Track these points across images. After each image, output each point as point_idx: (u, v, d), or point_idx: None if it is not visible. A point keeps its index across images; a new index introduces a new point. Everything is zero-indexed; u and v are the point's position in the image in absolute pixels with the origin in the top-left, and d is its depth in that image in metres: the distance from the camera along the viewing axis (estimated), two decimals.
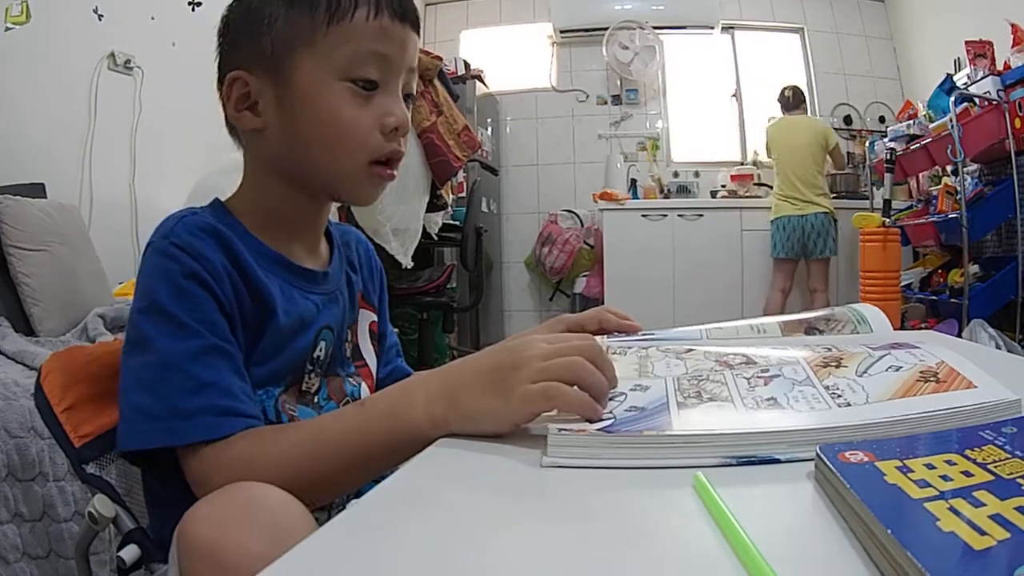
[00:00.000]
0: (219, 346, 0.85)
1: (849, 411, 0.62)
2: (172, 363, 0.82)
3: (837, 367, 0.72)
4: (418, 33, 0.99)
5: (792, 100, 6.07)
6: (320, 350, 1.01)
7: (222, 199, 1.00)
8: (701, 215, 6.36)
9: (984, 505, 0.41)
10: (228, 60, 0.99)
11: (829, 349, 0.79)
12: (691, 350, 0.85)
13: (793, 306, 5.87)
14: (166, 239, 0.88)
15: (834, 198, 6.39)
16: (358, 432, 0.76)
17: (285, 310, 0.95)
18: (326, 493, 0.72)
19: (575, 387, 0.68)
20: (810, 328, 0.98)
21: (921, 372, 0.68)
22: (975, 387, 0.64)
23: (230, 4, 1.00)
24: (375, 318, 1.19)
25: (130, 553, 0.90)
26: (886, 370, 0.69)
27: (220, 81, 0.99)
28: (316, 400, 1.00)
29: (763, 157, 6.56)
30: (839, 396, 0.65)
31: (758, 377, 0.72)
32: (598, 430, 0.63)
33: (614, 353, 0.87)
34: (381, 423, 0.75)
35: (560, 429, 0.63)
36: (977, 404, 0.61)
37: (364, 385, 1.10)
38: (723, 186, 6.71)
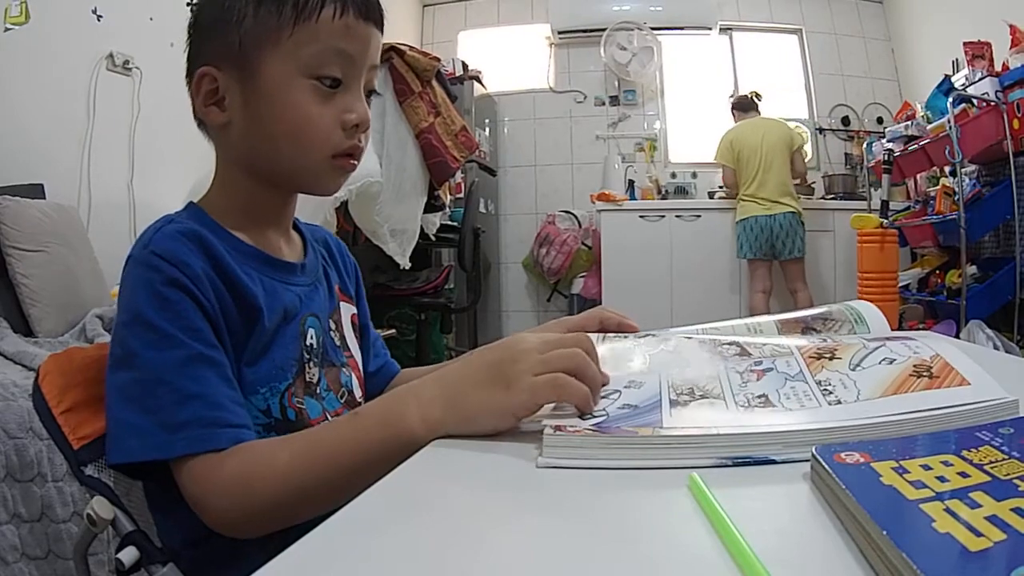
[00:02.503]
0: (205, 354, 0.85)
1: (839, 409, 0.62)
2: (158, 376, 0.82)
3: (831, 359, 0.72)
4: (382, 31, 1.01)
5: (752, 103, 6.08)
6: (311, 337, 1.02)
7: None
8: (699, 216, 6.35)
9: (980, 506, 0.41)
10: (197, 55, 1.01)
11: (824, 340, 0.79)
12: (688, 338, 0.85)
13: (775, 309, 5.84)
14: (146, 249, 0.87)
15: (832, 199, 6.41)
16: (353, 442, 0.76)
17: (269, 307, 0.95)
18: (323, 506, 0.71)
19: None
20: (807, 328, 0.98)
21: (915, 366, 0.67)
22: (968, 384, 0.64)
23: (201, 0, 1.03)
24: (355, 310, 1.21)
25: (129, 555, 0.90)
26: (880, 362, 0.69)
27: (189, 75, 1.01)
28: (318, 391, 1.01)
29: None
30: (830, 393, 0.65)
31: (751, 371, 0.72)
32: (592, 426, 0.63)
33: (611, 335, 0.87)
34: (376, 432, 0.75)
35: (555, 429, 0.63)
36: (971, 406, 0.61)
37: (354, 376, 1.11)
38: (720, 187, 6.71)
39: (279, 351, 0.96)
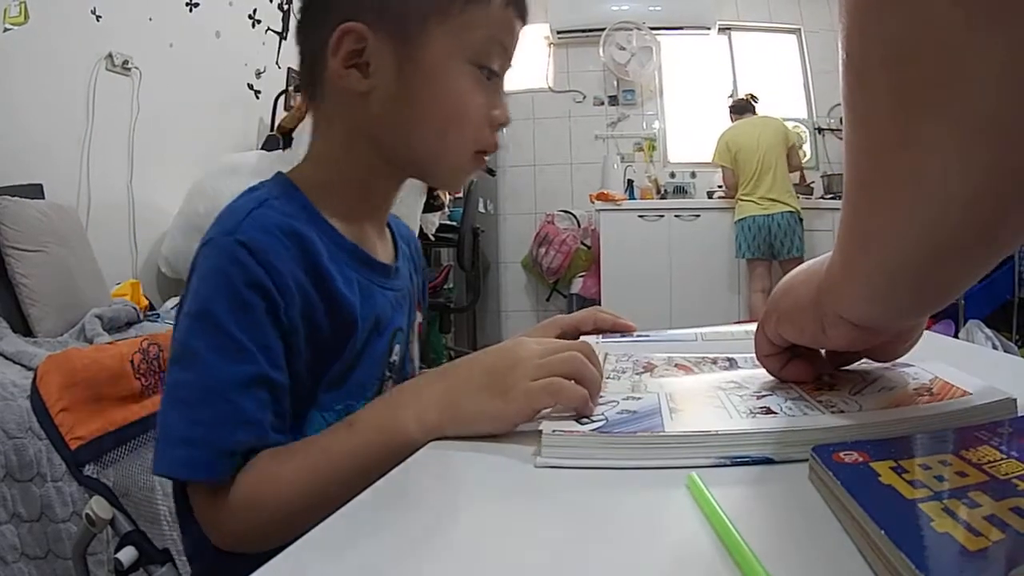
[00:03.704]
0: (270, 377, 0.77)
1: (843, 417, 0.62)
2: (217, 388, 0.74)
3: (830, 389, 0.71)
4: None
5: (748, 104, 6.08)
6: (396, 353, 0.97)
7: (229, 196, 0.93)
8: (698, 215, 6.35)
9: (979, 506, 0.41)
10: (339, 7, 0.88)
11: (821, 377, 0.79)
12: (686, 372, 0.84)
13: None
14: (231, 236, 0.78)
15: (831, 198, 6.40)
16: (351, 453, 0.73)
17: (363, 316, 0.88)
18: (326, 513, 0.69)
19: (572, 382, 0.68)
20: None
21: (914, 389, 0.67)
22: (970, 394, 0.63)
23: None
24: (421, 319, 1.14)
25: (127, 555, 0.90)
26: (879, 391, 0.69)
27: (317, 24, 0.89)
28: None
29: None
30: (833, 407, 0.65)
31: (751, 396, 0.72)
32: (591, 431, 0.63)
33: (611, 368, 0.86)
34: (374, 439, 0.72)
35: (554, 430, 0.63)
36: (974, 405, 0.61)
37: None
38: (719, 186, 6.71)
39: (364, 370, 0.91)
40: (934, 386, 0.67)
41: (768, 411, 0.65)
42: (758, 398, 0.70)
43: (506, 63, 0.93)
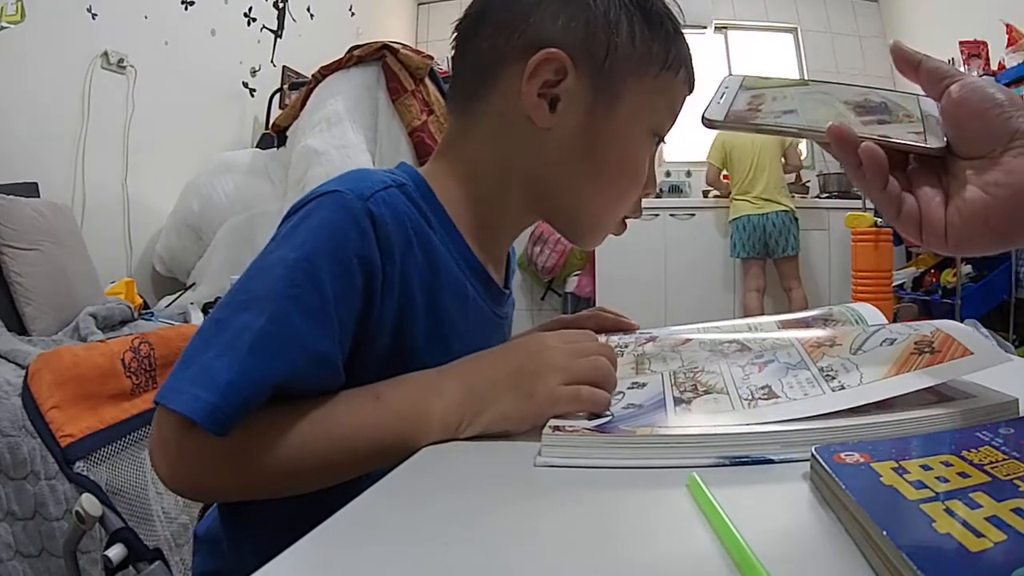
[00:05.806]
0: (335, 365, 0.71)
1: (843, 395, 0.62)
2: (286, 349, 0.66)
3: (831, 347, 0.71)
4: None
5: None
6: None
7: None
8: (693, 215, 6.35)
9: (980, 507, 0.41)
10: (541, 26, 0.82)
11: (823, 329, 0.79)
12: (688, 340, 0.85)
13: (769, 308, 5.83)
14: (363, 200, 0.72)
15: (826, 197, 6.41)
16: (371, 428, 0.69)
17: (464, 345, 0.79)
18: (320, 483, 0.67)
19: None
20: (808, 328, 0.98)
21: (915, 343, 0.67)
22: (971, 353, 0.63)
23: None
24: None
25: (116, 552, 0.90)
26: (880, 344, 0.69)
27: (499, 31, 0.84)
28: None
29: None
30: (833, 379, 0.65)
31: (752, 364, 0.72)
32: (596, 427, 0.63)
33: (613, 346, 0.87)
34: (396, 425, 0.69)
35: (554, 428, 0.62)
36: (971, 407, 0.61)
37: None
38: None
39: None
40: (936, 339, 0.67)
41: (769, 392, 0.65)
42: (759, 368, 0.70)
43: (666, 133, 0.92)
